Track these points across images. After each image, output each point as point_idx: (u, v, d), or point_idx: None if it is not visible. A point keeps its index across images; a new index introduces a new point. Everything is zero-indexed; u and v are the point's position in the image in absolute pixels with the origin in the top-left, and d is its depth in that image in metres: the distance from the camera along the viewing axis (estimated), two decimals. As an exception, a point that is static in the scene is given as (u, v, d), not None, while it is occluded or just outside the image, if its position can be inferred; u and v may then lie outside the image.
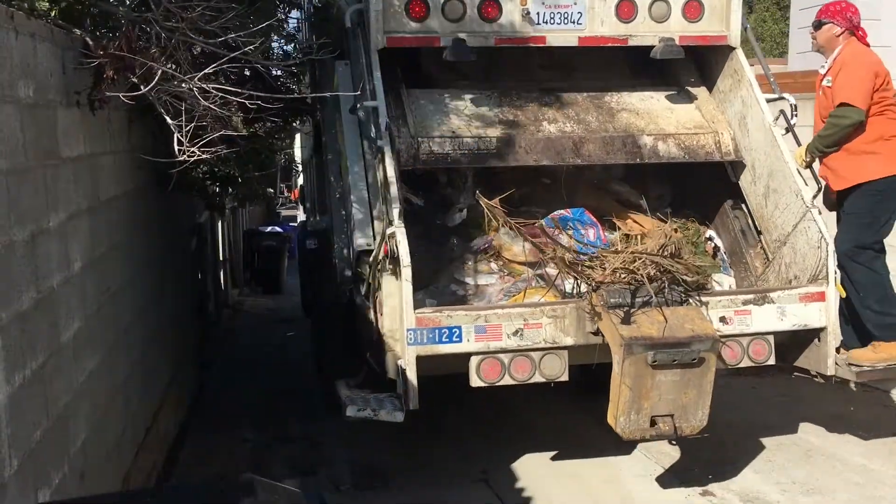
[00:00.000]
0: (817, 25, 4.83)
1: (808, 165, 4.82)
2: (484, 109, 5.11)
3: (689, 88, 5.46)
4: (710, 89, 5.45)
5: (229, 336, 10.63)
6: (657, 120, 5.24)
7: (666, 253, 4.40)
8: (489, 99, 5.20)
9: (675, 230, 5.08)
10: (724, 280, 5.03)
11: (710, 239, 5.26)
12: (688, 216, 5.43)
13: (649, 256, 4.28)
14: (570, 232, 4.92)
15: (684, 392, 4.07)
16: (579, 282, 4.38)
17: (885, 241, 4.75)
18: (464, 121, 5.00)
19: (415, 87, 5.16)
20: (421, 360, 4.09)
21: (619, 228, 5.19)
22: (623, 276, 4.21)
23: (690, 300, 4.28)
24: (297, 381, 7.52)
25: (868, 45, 4.83)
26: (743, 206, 5.23)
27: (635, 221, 5.25)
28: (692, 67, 5.51)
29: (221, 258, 11.85)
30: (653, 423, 4.09)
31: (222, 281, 12.01)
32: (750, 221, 5.18)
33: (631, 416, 4.04)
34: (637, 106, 5.33)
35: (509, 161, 4.92)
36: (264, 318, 12.18)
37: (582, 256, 4.52)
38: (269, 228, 17.12)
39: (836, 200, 4.84)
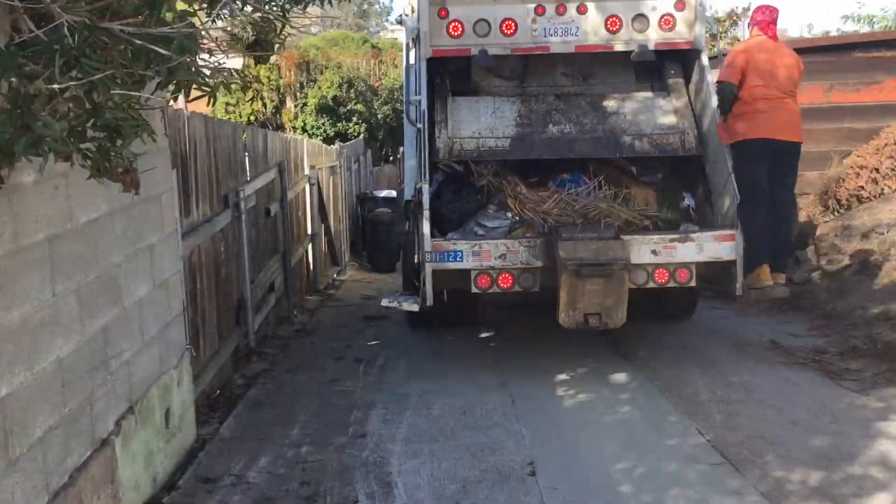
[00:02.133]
0: (750, 26, 6.54)
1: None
2: (506, 114, 6.59)
3: (674, 89, 6.72)
4: (688, 82, 6.74)
5: (279, 358, 7.06)
6: (639, 122, 6.55)
7: (610, 204, 6.13)
8: (512, 105, 6.67)
9: (654, 191, 6.61)
10: (691, 227, 6.23)
11: (684, 199, 6.63)
12: (674, 184, 6.79)
13: (592, 203, 6.13)
14: (568, 190, 6.44)
15: (607, 297, 5.49)
16: (545, 224, 6.00)
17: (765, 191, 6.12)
18: (488, 124, 6.51)
19: (459, 94, 6.71)
20: (436, 273, 5.81)
21: (607, 188, 6.46)
22: (575, 218, 5.96)
23: (621, 236, 5.73)
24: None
25: (776, 39, 6.37)
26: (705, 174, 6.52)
27: (626, 187, 6.56)
28: (680, 71, 6.79)
29: (311, 232, 10.34)
30: (586, 319, 5.54)
31: (310, 260, 10.33)
32: (708, 186, 6.47)
33: (569, 313, 5.52)
34: (626, 109, 6.63)
35: (518, 156, 6.49)
36: (353, 311, 9.20)
37: (563, 203, 6.16)
38: (383, 193, 14.62)
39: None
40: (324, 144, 12.22)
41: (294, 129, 21.46)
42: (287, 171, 9.12)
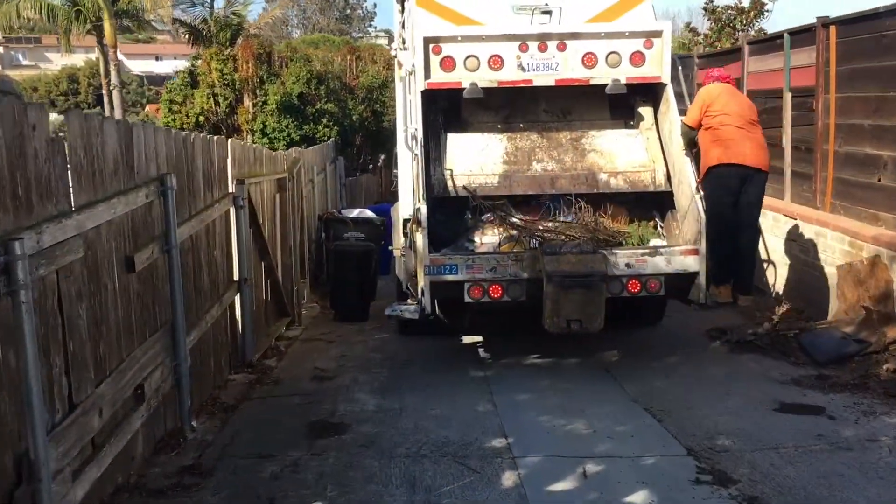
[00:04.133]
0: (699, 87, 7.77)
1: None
2: (494, 151, 7.18)
3: (644, 126, 7.31)
4: (655, 110, 7.28)
5: None
6: (614, 160, 7.13)
7: (589, 223, 6.90)
8: (499, 142, 7.24)
9: (626, 210, 7.22)
10: (658, 242, 6.92)
11: (654, 217, 7.22)
12: (644, 204, 7.25)
13: (570, 226, 6.87)
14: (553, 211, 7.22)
15: (587, 306, 6.14)
16: (532, 240, 6.72)
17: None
18: (478, 162, 7.11)
19: (451, 131, 7.28)
20: (433, 284, 6.33)
21: (587, 208, 7.04)
22: (558, 236, 6.72)
23: (599, 251, 6.31)
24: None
25: (730, 82, 7.39)
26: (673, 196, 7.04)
27: (602, 208, 7.11)
28: (650, 106, 7.32)
29: (239, 277, 6.97)
30: (569, 324, 6.16)
31: (238, 319, 7.02)
32: (674, 205, 6.98)
33: (554, 319, 6.16)
34: (603, 147, 7.20)
35: (505, 192, 7.06)
36: (294, 412, 5.89)
37: (547, 225, 6.99)
38: (355, 213, 11.53)
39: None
40: (266, 149, 8.70)
41: (252, 132, 17.92)
42: (189, 189, 5.69)
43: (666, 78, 6.96)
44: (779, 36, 9.24)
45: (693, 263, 6.38)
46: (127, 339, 4.45)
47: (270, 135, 17.51)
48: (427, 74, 6.78)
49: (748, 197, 6.89)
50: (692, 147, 6.91)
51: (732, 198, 6.82)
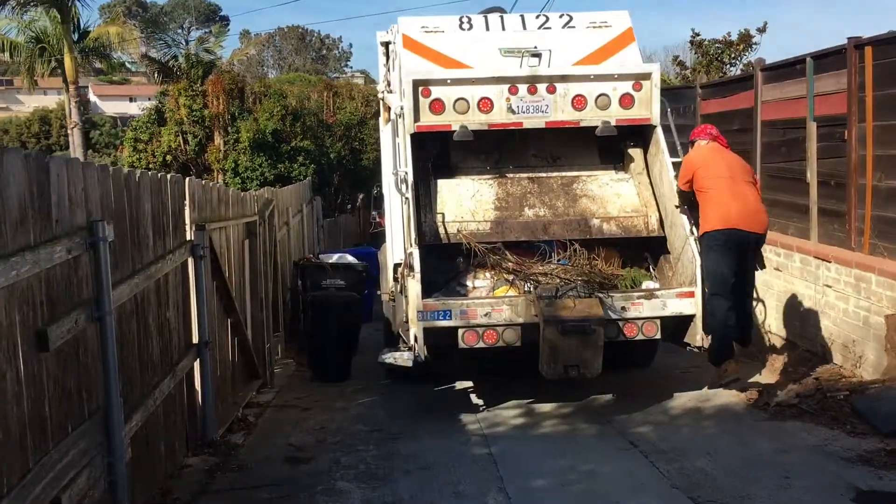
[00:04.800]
0: (691, 144, 7.05)
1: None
2: (485, 197, 7.12)
3: (635, 171, 7.35)
4: (645, 152, 7.32)
5: None
6: (606, 205, 7.14)
7: (582, 267, 6.72)
8: (490, 188, 7.20)
9: (618, 253, 7.20)
10: (651, 284, 6.91)
11: (646, 259, 7.26)
12: (636, 246, 7.25)
13: (563, 270, 6.68)
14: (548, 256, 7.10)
15: (584, 350, 6.01)
16: (526, 284, 6.62)
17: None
18: (470, 208, 7.03)
19: (440, 176, 7.20)
20: (427, 330, 6.24)
21: (581, 252, 6.94)
22: (552, 280, 6.52)
23: (595, 295, 6.19)
24: None
25: (726, 146, 6.96)
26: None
27: (595, 251, 7.07)
28: (640, 149, 7.36)
29: (198, 340, 5.85)
30: (566, 370, 6.02)
31: (197, 389, 5.88)
32: (667, 247, 7.05)
33: (551, 365, 6.02)
34: (595, 192, 7.22)
35: (497, 238, 6.88)
36: None
37: (541, 268, 6.80)
38: (335, 257, 10.39)
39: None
40: (232, 190, 7.68)
41: (223, 171, 16.90)
42: (133, 238, 4.64)
43: (655, 120, 7.01)
44: (799, 61, 8.43)
45: (689, 306, 6.36)
46: (37, 440, 3.37)
47: (243, 174, 16.52)
48: (416, 117, 6.77)
49: (748, 264, 6.61)
50: (687, 205, 6.73)
51: (733, 269, 6.43)
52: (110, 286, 4.02)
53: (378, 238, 15.16)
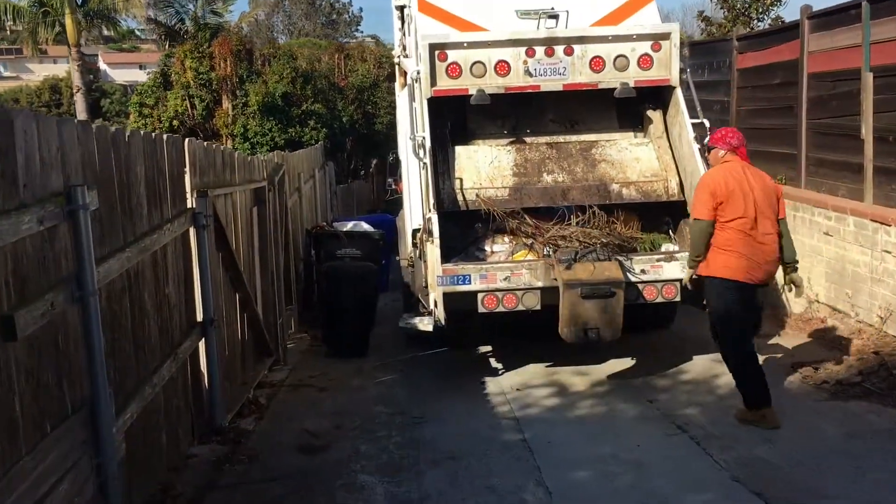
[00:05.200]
0: (709, 149, 5.93)
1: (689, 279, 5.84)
2: (503, 164, 6.97)
3: (654, 134, 7.20)
4: (665, 114, 7.19)
5: None
6: (625, 170, 6.98)
7: (603, 229, 6.49)
8: (508, 154, 7.06)
9: (637, 216, 6.89)
10: (671, 246, 6.74)
11: (668, 223, 6.99)
12: (655, 208, 6.98)
13: (582, 233, 6.41)
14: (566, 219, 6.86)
15: (604, 313, 5.90)
16: (545, 248, 6.47)
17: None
18: (488, 175, 6.89)
19: (458, 142, 7.09)
20: (447, 295, 6.13)
21: (600, 214, 6.65)
22: (571, 243, 6.32)
23: (614, 258, 6.11)
24: None
25: (748, 161, 5.79)
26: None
27: (615, 214, 6.74)
28: (660, 112, 7.23)
29: (203, 318, 5.32)
30: (585, 332, 5.93)
31: (203, 371, 5.36)
32: (686, 208, 6.74)
33: (571, 328, 5.93)
34: (614, 157, 7.06)
35: (516, 204, 6.73)
36: None
37: (560, 232, 6.52)
38: (349, 225, 9.73)
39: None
40: (239, 153, 7.10)
41: (232, 136, 16.30)
42: (123, 207, 4.09)
43: (675, 81, 6.90)
44: (854, 5, 7.71)
45: None
46: (5, 447, 2.86)
47: (252, 139, 15.93)
48: (433, 81, 6.72)
49: (757, 302, 5.97)
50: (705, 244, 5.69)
51: (746, 313, 5.67)
52: (93, 262, 3.47)
53: (393, 205, 14.60)
